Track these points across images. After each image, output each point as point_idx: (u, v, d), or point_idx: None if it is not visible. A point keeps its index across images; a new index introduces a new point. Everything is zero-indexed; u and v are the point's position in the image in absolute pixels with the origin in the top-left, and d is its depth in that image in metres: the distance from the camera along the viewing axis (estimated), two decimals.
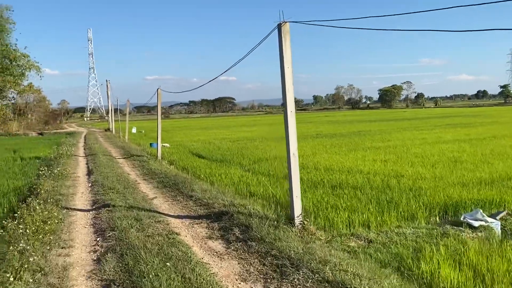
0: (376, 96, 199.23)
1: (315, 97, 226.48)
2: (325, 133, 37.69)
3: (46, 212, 8.37)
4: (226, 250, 6.30)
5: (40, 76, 74.45)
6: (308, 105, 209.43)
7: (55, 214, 8.52)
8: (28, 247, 6.16)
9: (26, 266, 5.37)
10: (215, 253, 6.23)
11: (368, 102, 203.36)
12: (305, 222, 7.00)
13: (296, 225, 6.92)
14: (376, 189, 11.97)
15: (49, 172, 15.05)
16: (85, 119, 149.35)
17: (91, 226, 8.07)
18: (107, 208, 9.07)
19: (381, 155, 19.90)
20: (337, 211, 9.43)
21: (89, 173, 15.87)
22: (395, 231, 8.21)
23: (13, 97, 73.63)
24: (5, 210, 11.39)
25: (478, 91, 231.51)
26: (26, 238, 6.64)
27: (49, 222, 7.70)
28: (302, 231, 6.81)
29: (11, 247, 6.12)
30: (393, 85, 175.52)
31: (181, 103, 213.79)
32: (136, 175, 14.98)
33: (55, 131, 65.05)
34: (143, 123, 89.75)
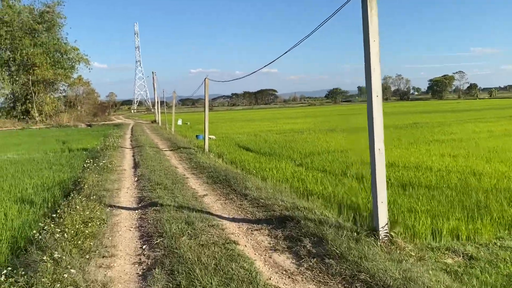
0: (424, 87, 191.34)
1: (359, 88, 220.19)
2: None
3: (88, 212, 7.50)
4: (297, 269, 5.09)
5: (89, 69, 76.50)
6: (352, 97, 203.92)
7: (98, 213, 7.66)
8: (64, 257, 5.24)
9: (58, 285, 4.40)
10: (284, 272, 5.04)
11: (416, 93, 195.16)
12: (392, 234, 5.66)
13: (380, 238, 5.60)
14: (454, 190, 10.35)
15: (95, 164, 14.46)
16: (132, 111, 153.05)
17: (137, 230, 7.10)
18: (154, 208, 8.11)
19: (448, 149, 18.00)
20: (416, 216, 8.00)
21: (136, 166, 15.16)
22: (498, 244, 6.71)
23: (64, 89, 76.16)
24: (49, 205, 10.79)
25: None
26: (63, 244, 5.73)
27: (90, 224, 6.81)
28: (388, 246, 5.48)
29: (45, 256, 5.21)
30: (444, 75, 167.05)
31: (224, 95, 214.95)
32: (184, 169, 14.08)
33: (103, 122, 66.46)
34: (188, 115, 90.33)
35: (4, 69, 65.81)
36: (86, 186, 10.46)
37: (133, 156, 18.43)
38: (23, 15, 65.27)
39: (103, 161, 14.79)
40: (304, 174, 13.14)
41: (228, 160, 17.75)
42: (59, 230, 6.24)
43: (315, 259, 5.18)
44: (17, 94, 67.40)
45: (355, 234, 5.68)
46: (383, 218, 5.65)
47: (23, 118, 66.39)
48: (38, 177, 14.37)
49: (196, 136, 30.15)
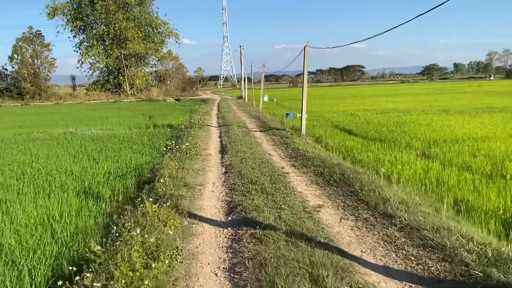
0: None
1: (455, 65, 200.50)
2: (498, 106, 29.87)
3: (156, 232, 4.96)
4: None
5: (179, 43, 77.01)
6: (448, 74, 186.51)
7: (170, 233, 5.09)
8: None
9: None
10: None
11: None
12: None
13: None
14: None
15: (177, 146, 12.25)
16: (219, 86, 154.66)
17: (226, 276, 4.37)
18: (252, 230, 5.37)
19: None
20: None
21: (223, 150, 12.70)
22: None
23: (154, 64, 77.45)
24: (120, 198, 8.65)
25: None
26: None
27: (155, 262, 4.21)
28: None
29: None
30: None
31: (308, 72, 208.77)
32: (281, 158, 11.27)
33: (190, 97, 66.41)
34: (272, 91, 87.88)
35: (99, 43, 68.11)
36: (162, 180, 8.07)
37: (219, 137, 16.05)
38: None
39: (187, 143, 12.48)
40: (447, 174, 9.65)
41: (330, 147, 14.65)
42: (104, 277, 3.69)
43: None
44: (110, 67, 69.64)
45: None
46: None
47: (116, 91, 68.61)
48: (114, 159, 12.51)
49: (286, 114, 27.27)
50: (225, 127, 18.68)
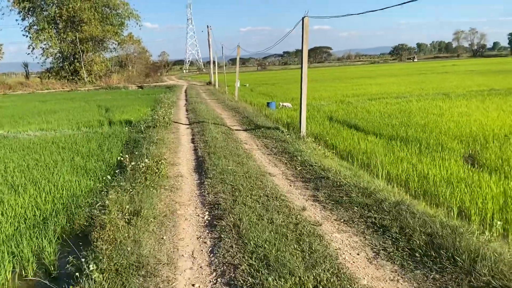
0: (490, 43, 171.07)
1: (418, 45, 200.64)
2: (499, 87, 27.03)
3: None
4: None
5: (140, 25, 70.79)
6: (414, 54, 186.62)
7: None
8: None
9: None
10: None
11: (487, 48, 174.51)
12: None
13: None
14: None
15: (134, 163, 8.28)
16: (184, 71, 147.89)
17: None
18: None
19: None
20: None
21: (200, 167, 8.84)
22: None
23: (114, 48, 71.35)
24: None
25: None
26: None
27: None
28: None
29: None
30: None
31: (275, 54, 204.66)
32: (291, 183, 7.49)
33: (155, 84, 61.20)
34: (241, 75, 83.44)
35: (51, 26, 61.66)
36: (105, 249, 4.17)
37: (192, 141, 12.09)
38: None
39: (146, 160, 8.46)
40: None
41: (344, 152, 11.02)
42: None
43: None
44: (65, 53, 63.33)
45: None
46: None
47: (72, 79, 62.55)
48: (41, 186, 8.39)
49: (267, 104, 23.42)
50: (198, 125, 14.67)
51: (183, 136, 13.21)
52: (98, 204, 6.35)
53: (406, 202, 5.61)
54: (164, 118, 15.82)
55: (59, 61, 65.56)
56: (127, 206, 5.95)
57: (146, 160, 8.49)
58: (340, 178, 7.13)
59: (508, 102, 19.37)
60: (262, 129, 13.13)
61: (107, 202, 6.05)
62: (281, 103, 23.32)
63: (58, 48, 62.95)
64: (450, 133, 12.56)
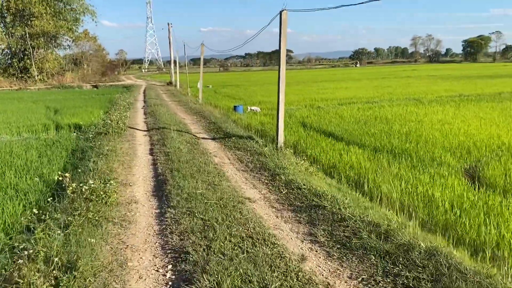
0: (458, 49, 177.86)
1: (376, 50, 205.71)
2: (468, 93, 26.72)
3: None
4: None
5: (95, 22, 67.37)
6: (373, 58, 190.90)
7: None
8: None
9: None
10: None
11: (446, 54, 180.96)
12: None
13: None
14: None
15: (75, 184, 6.45)
16: (143, 70, 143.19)
17: None
18: None
19: None
20: None
21: (160, 189, 7.16)
22: None
23: (68, 45, 67.27)
24: None
25: None
26: None
27: None
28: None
29: None
30: (480, 36, 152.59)
31: (237, 56, 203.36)
32: (278, 214, 5.94)
33: (111, 83, 57.97)
34: (204, 76, 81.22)
35: None
36: None
37: (151, 153, 10.29)
38: None
39: (90, 182, 6.63)
40: None
41: (328, 166, 9.61)
42: None
43: None
44: (13, 49, 58.89)
45: None
46: None
47: (22, 76, 58.25)
48: None
49: (234, 107, 21.80)
50: (158, 132, 12.84)
51: (140, 145, 11.35)
52: (21, 247, 4.56)
53: (442, 250, 4.18)
54: (118, 123, 13.85)
55: (7, 58, 60.92)
56: (57, 258, 4.19)
57: (91, 182, 6.67)
58: (339, 209, 5.65)
59: (483, 109, 18.78)
60: (233, 138, 11.50)
61: (26, 253, 4.25)
62: (249, 107, 21.77)
63: (6, 44, 58.40)
64: (439, 144, 11.46)
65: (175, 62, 45.45)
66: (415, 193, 7.35)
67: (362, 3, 8.80)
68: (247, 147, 10.22)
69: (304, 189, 6.63)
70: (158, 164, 8.83)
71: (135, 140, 12.15)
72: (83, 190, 6.41)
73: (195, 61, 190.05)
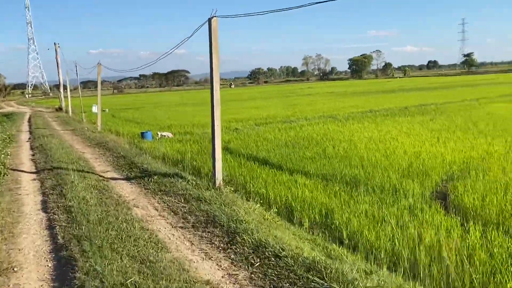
0: (345, 67, 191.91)
1: (270, 70, 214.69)
2: (378, 109, 27.19)
3: None
4: None
5: None
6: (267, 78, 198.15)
7: None
8: None
9: None
10: None
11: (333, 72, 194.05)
12: None
13: None
14: None
15: None
16: (27, 96, 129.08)
17: None
18: None
19: None
20: None
21: (64, 278, 4.62)
22: None
23: None
24: None
25: (429, 62, 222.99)
26: None
27: None
28: None
29: None
30: (363, 54, 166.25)
31: (130, 77, 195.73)
32: None
33: None
34: (93, 99, 75.30)
35: None
36: None
37: (45, 209, 7.49)
38: None
39: None
40: None
41: (279, 204, 7.82)
42: None
43: None
44: None
45: None
46: None
47: None
48: None
49: (142, 134, 19.13)
50: (52, 175, 9.89)
51: (28, 196, 8.39)
52: None
53: None
54: None
55: None
56: None
57: None
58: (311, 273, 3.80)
59: (402, 124, 18.74)
60: (155, 177, 9.12)
61: None
62: (159, 133, 19.24)
63: None
64: (387, 167, 10.36)
65: (64, 85, 40.53)
66: (407, 245, 5.83)
67: (299, 6, 7.27)
68: (177, 190, 7.97)
69: (286, 256, 4.69)
70: (57, 228, 6.21)
71: (20, 188, 9.10)
72: None
73: (85, 84, 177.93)
